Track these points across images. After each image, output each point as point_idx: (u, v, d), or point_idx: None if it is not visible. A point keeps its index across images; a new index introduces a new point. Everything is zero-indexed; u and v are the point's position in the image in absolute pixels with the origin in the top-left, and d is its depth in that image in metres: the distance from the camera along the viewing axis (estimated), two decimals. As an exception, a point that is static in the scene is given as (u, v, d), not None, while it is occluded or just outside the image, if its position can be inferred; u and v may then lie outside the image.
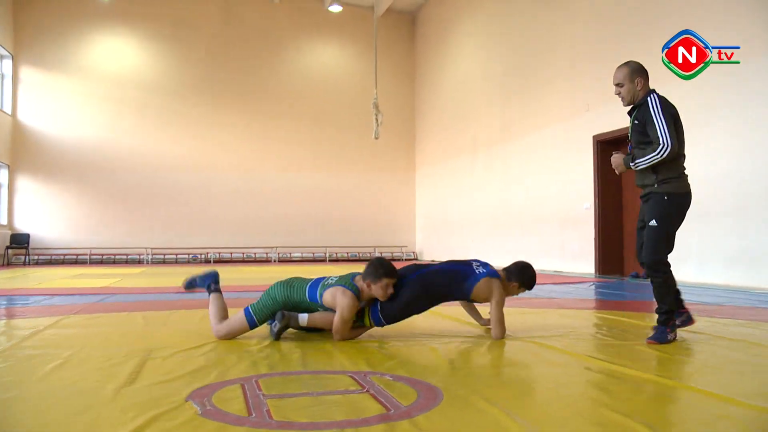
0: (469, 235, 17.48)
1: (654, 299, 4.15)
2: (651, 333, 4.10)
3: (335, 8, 20.85)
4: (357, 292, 4.20)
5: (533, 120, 14.30)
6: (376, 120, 15.65)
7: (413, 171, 22.35)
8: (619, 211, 11.99)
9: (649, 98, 4.08)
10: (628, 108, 4.32)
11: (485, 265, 4.42)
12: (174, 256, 19.96)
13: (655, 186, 4.08)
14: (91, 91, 19.56)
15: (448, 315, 5.49)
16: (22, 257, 18.40)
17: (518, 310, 5.89)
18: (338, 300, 4.14)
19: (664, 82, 6.92)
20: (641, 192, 4.27)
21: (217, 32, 20.73)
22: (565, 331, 4.66)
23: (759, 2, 8.71)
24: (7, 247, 18.04)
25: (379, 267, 4.20)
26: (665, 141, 3.91)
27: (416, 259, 21.62)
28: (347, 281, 4.24)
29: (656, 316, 4.12)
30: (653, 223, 4.06)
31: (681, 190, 4.08)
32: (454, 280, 4.32)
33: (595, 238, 12.08)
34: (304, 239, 20.69)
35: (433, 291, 4.30)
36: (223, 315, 4.40)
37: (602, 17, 12.00)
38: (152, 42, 20.27)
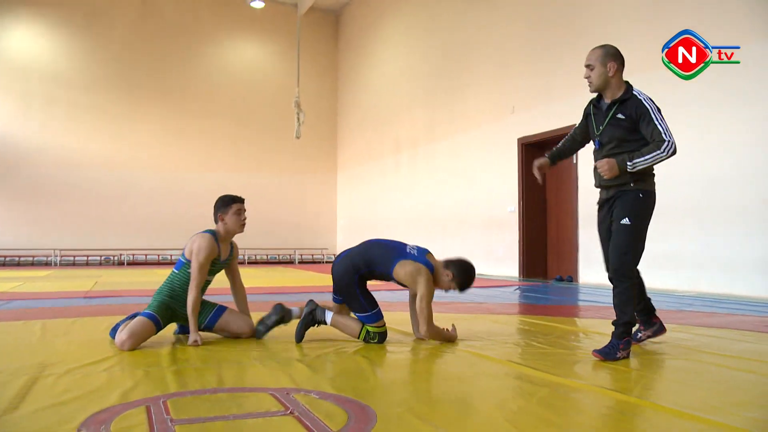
0: (391, 237, 17.25)
1: (613, 307, 3.80)
2: (601, 345, 3.77)
3: (258, 4, 20.35)
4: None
5: (458, 121, 14.20)
6: (298, 119, 15.30)
7: (335, 172, 22.04)
8: (543, 214, 12.00)
9: (637, 94, 3.76)
10: (588, 103, 4.08)
11: (422, 252, 4.26)
12: (85, 258, 19.01)
13: (631, 184, 3.73)
14: (-7, 81, 18.43)
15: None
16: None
17: (447, 316, 5.66)
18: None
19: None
20: (605, 193, 3.91)
21: (134, 24, 19.86)
22: (500, 338, 4.46)
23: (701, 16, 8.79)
24: None
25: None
26: (669, 138, 3.60)
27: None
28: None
29: (609, 326, 3.87)
30: (626, 221, 3.71)
31: (653, 188, 3.82)
32: (386, 255, 4.21)
33: (519, 241, 12.05)
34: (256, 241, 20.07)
35: (366, 259, 4.20)
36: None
37: (529, 19, 11.99)
38: (63, 31, 19.20)
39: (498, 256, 12.68)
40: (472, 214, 13.60)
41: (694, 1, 8.63)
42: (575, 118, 10.71)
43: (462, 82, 14.16)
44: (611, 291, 3.82)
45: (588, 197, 10.24)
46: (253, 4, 20.39)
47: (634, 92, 3.78)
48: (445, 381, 3.27)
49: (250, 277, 11.97)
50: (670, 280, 8.79)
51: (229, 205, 4.30)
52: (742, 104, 8.01)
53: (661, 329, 4.12)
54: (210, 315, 4.31)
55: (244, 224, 4.39)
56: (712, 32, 6.89)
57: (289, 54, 20.33)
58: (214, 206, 4.34)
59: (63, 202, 18.76)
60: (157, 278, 11.54)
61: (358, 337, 4.19)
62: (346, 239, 21.06)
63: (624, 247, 3.72)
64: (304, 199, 21.53)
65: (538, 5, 11.76)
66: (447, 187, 14.69)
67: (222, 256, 4.33)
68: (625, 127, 3.75)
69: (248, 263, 20.00)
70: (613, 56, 3.83)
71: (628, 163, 3.63)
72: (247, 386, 3.02)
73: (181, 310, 4.21)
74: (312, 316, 4.22)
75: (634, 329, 3.99)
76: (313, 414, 2.48)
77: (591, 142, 4.10)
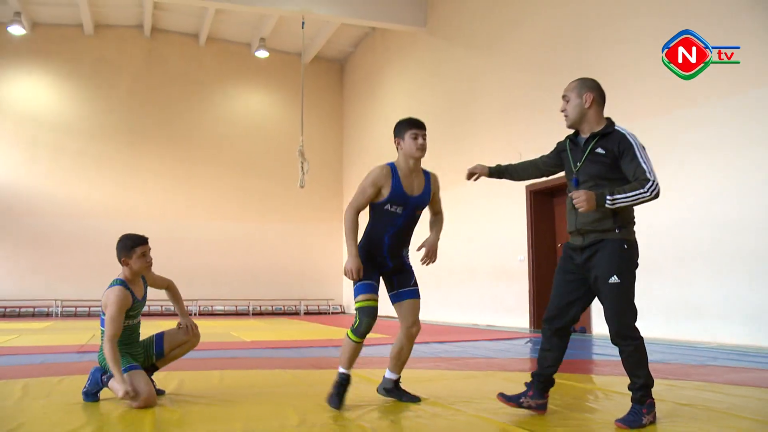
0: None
1: (625, 371, 3.41)
2: (622, 408, 3.41)
3: (262, 54, 20.36)
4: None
5: (464, 169, 13.88)
6: (302, 168, 15.08)
7: (340, 221, 21.76)
8: (553, 263, 11.66)
9: (620, 129, 3.44)
10: (565, 138, 3.75)
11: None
12: (86, 309, 18.68)
13: (616, 231, 3.34)
14: (0, 129, 18.39)
15: (375, 380, 4.88)
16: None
17: (456, 374, 5.34)
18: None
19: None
20: (580, 240, 3.48)
21: (140, 73, 19.90)
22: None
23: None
24: None
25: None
26: (654, 178, 3.26)
27: (343, 313, 20.92)
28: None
29: (627, 388, 3.50)
30: (615, 279, 3.29)
31: (635, 238, 3.44)
32: None
33: (529, 291, 11.71)
34: (227, 291, 19.65)
35: None
36: None
37: (531, 65, 11.87)
38: (70, 82, 19.28)
39: (508, 307, 12.31)
40: (480, 263, 13.28)
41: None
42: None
43: (467, 129, 14.00)
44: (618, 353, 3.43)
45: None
46: (258, 54, 20.41)
47: (617, 127, 3.47)
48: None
49: (256, 330, 11.67)
50: (690, 331, 8.43)
51: (132, 249, 4.08)
52: (759, 146, 7.76)
53: (544, 408, 3.61)
54: (155, 345, 4.30)
55: (150, 264, 4.19)
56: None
57: (293, 102, 20.27)
58: (116, 248, 4.08)
59: (66, 252, 18.53)
60: (156, 330, 11.22)
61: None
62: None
63: (621, 308, 3.33)
64: (310, 249, 21.22)
65: (540, 50, 11.65)
66: (454, 237, 14.34)
67: (138, 296, 4.16)
68: (605, 164, 3.40)
69: (253, 314, 19.62)
70: (589, 88, 3.56)
71: (608, 198, 3.21)
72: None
73: (135, 352, 4.19)
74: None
75: (532, 385, 3.63)
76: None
77: (566, 180, 3.73)
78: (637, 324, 3.37)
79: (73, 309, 18.56)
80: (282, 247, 20.59)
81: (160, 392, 4.15)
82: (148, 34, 19.89)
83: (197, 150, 20.08)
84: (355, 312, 3.77)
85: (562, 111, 3.64)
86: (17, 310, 18.10)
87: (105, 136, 19.21)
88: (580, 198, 3.24)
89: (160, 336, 4.34)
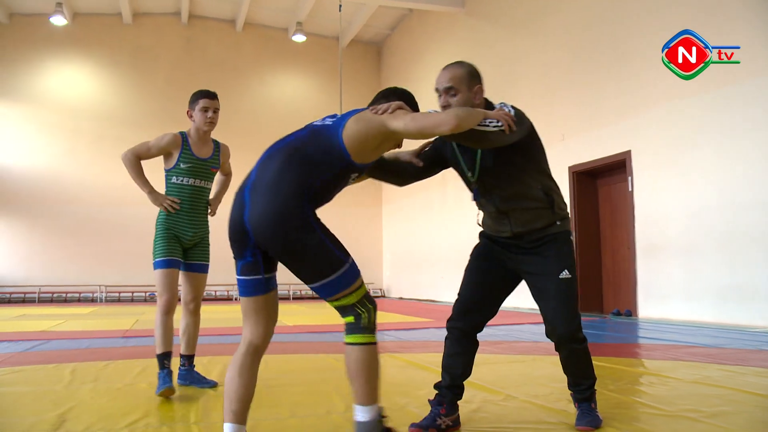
0: (438, 271, 16.83)
1: (568, 374, 3.03)
2: (580, 416, 2.97)
3: (299, 38, 20.29)
4: None
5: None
6: (342, 151, 15.03)
7: (380, 206, 21.73)
8: (597, 244, 11.45)
9: (502, 105, 2.99)
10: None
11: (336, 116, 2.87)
12: (129, 294, 18.96)
13: (557, 223, 2.95)
14: (43, 120, 18.64)
15: (422, 365, 4.81)
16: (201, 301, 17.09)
17: (501, 358, 5.24)
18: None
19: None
20: (522, 238, 2.99)
21: (178, 60, 20.01)
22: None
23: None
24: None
25: None
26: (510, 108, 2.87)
27: (383, 296, 20.91)
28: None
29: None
30: (566, 274, 2.86)
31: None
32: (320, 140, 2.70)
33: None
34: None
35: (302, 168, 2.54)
36: None
37: (573, 46, 11.60)
38: (109, 70, 19.48)
39: (550, 290, 12.10)
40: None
41: (739, 19, 8.15)
42: (626, 144, 10.27)
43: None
44: (560, 356, 3.01)
45: (646, 227, 9.73)
46: (295, 38, 20.35)
47: (499, 105, 2.99)
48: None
49: (298, 315, 11.69)
50: (740, 314, 8.18)
51: (196, 100, 4.13)
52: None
53: (459, 424, 3.00)
54: (189, 258, 4.24)
55: (210, 122, 4.16)
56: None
57: (331, 86, 20.23)
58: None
59: (109, 239, 18.77)
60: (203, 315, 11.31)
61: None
62: (393, 274, 20.69)
63: (572, 306, 2.89)
64: (349, 234, 21.08)
65: (581, 31, 11.37)
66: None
67: (199, 154, 4.16)
68: (497, 155, 2.95)
69: (293, 299, 19.71)
70: (478, 77, 3.04)
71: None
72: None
73: (182, 232, 4.12)
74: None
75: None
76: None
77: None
78: (667, 308, 3.20)
79: (117, 294, 18.84)
80: (321, 231, 20.57)
81: (211, 383, 4.05)
82: (185, 21, 19.97)
83: (235, 136, 20.00)
84: (352, 302, 2.48)
85: (444, 105, 2.99)
86: (64, 295, 18.45)
87: (144, 123, 19.34)
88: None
89: (191, 268, 4.28)
